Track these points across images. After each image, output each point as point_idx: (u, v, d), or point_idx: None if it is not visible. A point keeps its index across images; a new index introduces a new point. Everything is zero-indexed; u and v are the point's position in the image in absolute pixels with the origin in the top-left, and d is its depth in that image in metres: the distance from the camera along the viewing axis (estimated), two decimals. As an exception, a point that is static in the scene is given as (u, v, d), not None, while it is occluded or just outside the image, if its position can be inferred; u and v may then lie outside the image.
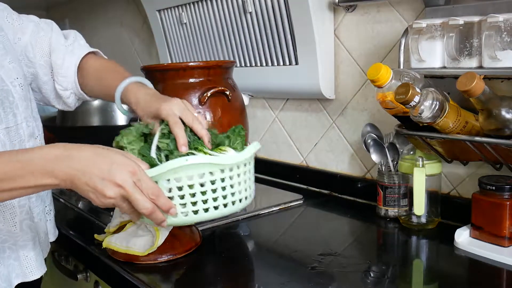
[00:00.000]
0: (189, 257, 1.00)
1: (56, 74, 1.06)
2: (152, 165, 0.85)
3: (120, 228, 1.05)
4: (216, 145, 0.91)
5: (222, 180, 0.84)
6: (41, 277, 1.00)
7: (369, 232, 1.20)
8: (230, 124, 1.27)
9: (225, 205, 0.86)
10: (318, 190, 1.47)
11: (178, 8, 1.73)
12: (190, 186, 0.82)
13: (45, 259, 1.03)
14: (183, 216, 0.83)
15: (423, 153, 1.11)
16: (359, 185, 1.37)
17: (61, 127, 1.65)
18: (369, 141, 1.23)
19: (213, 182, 0.83)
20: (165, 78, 1.26)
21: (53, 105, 1.12)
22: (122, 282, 0.97)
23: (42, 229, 1.02)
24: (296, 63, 1.41)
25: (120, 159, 0.78)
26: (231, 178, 0.85)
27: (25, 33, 1.03)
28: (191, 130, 0.90)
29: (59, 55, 1.06)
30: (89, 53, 1.10)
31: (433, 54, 1.02)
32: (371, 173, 1.35)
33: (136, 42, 2.27)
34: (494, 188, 0.97)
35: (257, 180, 1.57)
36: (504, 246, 0.96)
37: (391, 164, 1.19)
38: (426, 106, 0.95)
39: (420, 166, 1.07)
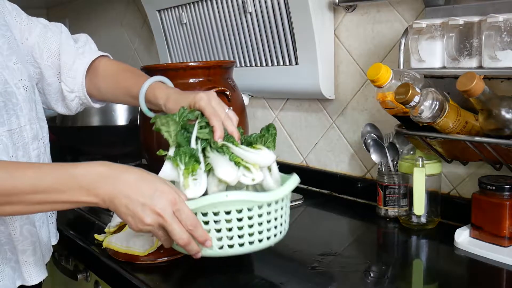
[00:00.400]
0: (189, 257, 1.00)
1: (64, 75, 1.06)
2: (192, 156, 0.84)
3: (120, 228, 1.05)
4: (249, 143, 0.90)
5: (260, 215, 0.83)
6: (42, 278, 0.99)
7: (369, 232, 1.20)
8: (230, 124, 1.27)
9: (260, 240, 0.85)
10: (318, 190, 1.47)
11: (178, 8, 1.73)
12: (228, 221, 0.81)
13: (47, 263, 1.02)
14: (217, 248, 0.83)
15: (423, 153, 1.11)
16: (359, 185, 1.37)
17: (61, 127, 1.65)
18: (369, 141, 1.23)
19: (250, 218, 0.83)
20: (165, 78, 1.26)
21: (53, 108, 1.12)
22: (122, 282, 0.97)
23: (45, 233, 1.01)
24: (296, 63, 1.41)
25: (162, 187, 0.78)
26: (268, 213, 0.84)
27: (33, 33, 1.03)
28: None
29: (69, 57, 1.06)
30: (99, 56, 1.10)
31: (433, 54, 1.02)
32: (371, 173, 1.35)
33: (136, 42, 2.27)
34: (494, 188, 0.97)
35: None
36: (504, 246, 0.96)
37: (391, 164, 1.19)
38: (426, 106, 0.95)
39: (420, 166, 1.07)
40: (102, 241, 1.05)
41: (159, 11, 1.83)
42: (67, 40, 1.07)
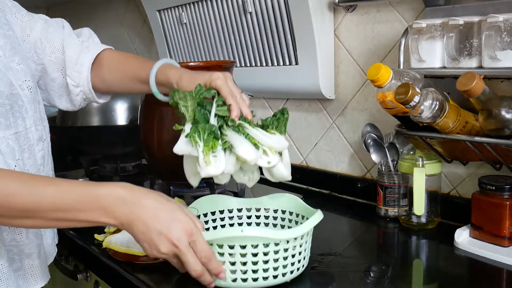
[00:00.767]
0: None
1: (69, 69, 1.05)
2: (212, 132, 0.83)
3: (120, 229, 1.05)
4: (262, 126, 0.89)
5: (276, 252, 0.82)
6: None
7: (369, 232, 1.20)
8: (230, 124, 1.27)
9: (275, 276, 0.84)
10: (318, 190, 1.47)
11: (178, 8, 1.73)
12: (243, 255, 0.81)
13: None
14: (231, 281, 0.83)
15: (423, 153, 1.11)
16: (359, 185, 1.37)
17: (61, 127, 1.65)
18: (369, 141, 1.23)
19: (266, 254, 0.82)
20: (165, 78, 1.26)
21: (56, 104, 1.11)
22: (122, 282, 0.97)
23: (49, 234, 1.01)
24: (296, 63, 1.41)
25: (180, 215, 0.78)
26: (286, 250, 0.83)
27: (34, 29, 1.02)
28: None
29: (73, 51, 1.05)
30: (104, 49, 1.09)
31: (433, 54, 1.02)
32: (371, 173, 1.35)
33: (136, 42, 2.27)
34: (494, 188, 0.97)
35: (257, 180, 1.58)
36: (504, 246, 0.96)
37: (391, 164, 1.19)
38: (426, 106, 0.95)
39: (420, 166, 1.07)
40: (102, 241, 1.04)
41: (159, 11, 1.82)
42: (69, 35, 1.06)
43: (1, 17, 0.95)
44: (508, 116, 0.89)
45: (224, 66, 1.29)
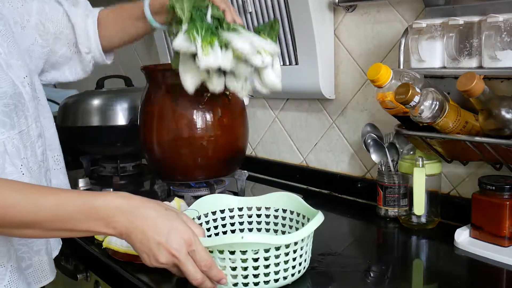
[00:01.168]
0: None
1: (80, 38, 1.09)
2: (209, 28, 0.89)
3: (120, 228, 1.05)
4: (255, 31, 0.94)
5: (277, 256, 0.82)
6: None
7: (369, 232, 1.20)
8: (230, 124, 1.28)
9: (276, 280, 0.84)
10: (318, 190, 1.47)
11: (178, 8, 1.73)
12: (243, 260, 0.81)
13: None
14: (232, 285, 0.83)
15: (423, 153, 1.11)
16: (359, 185, 1.37)
17: (61, 127, 1.64)
18: (369, 141, 1.23)
19: (267, 259, 0.82)
20: (165, 78, 1.26)
21: (68, 79, 1.13)
22: (122, 282, 0.97)
23: None
24: (296, 63, 1.41)
25: (179, 225, 0.78)
26: (286, 254, 0.83)
27: (31, 12, 1.02)
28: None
29: (80, 20, 1.08)
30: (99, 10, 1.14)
31: (433, 54, 1.02)
32: (371, 173, 1.35)
33: (136, 42, 2.26)
34: (494, 188, 0.97)
35: (257, 180, 1.58)
36: (504, 246, 0.96)
37: (391, 164, 1.19)
38: (426, 106, 0.95)
39: (420, 166, 1.07)
40: (102, 241, 1.04)
41: (159, 11, 1.82)
42: (69, 7, 1.08)
43: None
44: (508, 116, 0.89)
45: (224, 66, 1.29)
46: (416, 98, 0.94)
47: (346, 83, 1.37)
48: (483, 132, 0.93)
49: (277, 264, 0.83)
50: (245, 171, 1.39)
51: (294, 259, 0.85)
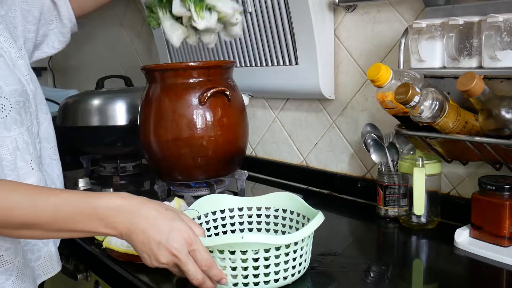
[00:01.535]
0: (189, 257, 1.00)
1: (62, 11, 1.14)
2: None
3: (120, 228, 1.05)
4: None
5: (277, 256, 0.82)
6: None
7: (369, 232, 1.20)
8: (230, 124, 1.28)
9: (276, 280, 0.84)
10: (318, 190, 1.47)
11: (178, 8, 1.73)
12: (244, 260, 0.81)
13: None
14: (232, 285, 0.83)
15: (423, 153, 1.11)
16: (359, 185, 1.37)
17: (61, 127, 1.65)
18: (369, 141, 1.23)
19: (267, 259, 0.82)
20: (165, 78, 1.27)
21: (52, 52, 1.18)
22: (122, 282, 0.97)
23: None
24: (296, 63, 1.41)
25: (179, 225, 0.78)
26: (286, 254, 0.83)
27: (16, 3, 1.04)
28: None
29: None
30: None
31: (433, 54, 1.02)
32: (371, 173, 1.35)
33: (136, 42, 2.26)
34: (494, 188, 0.97)
35: (257, 180, 1.58)
36: (504, 246, 0.96)
37: (391, 164, 1.19)
38: (426, 106, 0.95)
39: (420, 166, 1.07)
40: (102, 241, 1.04)
41: (159, 11, 1.82)
42: None
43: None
44: (508, 116, 0.89)
45: (224, 66, 1.29)
46: (416, 98, 0.94)
47: (346, 83, 1.37)
48: (483, 132, 0.93)
49: (277, 264, 0.83)
50: (245, 171, 1.39)
51: (294, 259, 0.84)
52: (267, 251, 0.81)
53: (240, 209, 1.03)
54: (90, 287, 1.17)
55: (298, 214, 0.98)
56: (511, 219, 0.96)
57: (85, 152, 1.70)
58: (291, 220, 0.99)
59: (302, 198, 0.99)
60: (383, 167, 1.20)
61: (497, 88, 1.02)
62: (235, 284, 0.83)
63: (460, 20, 0.97)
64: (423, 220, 1.12)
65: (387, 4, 1.24)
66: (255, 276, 0.82)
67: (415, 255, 1.05)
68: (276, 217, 1.02)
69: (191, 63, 1.27)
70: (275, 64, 1.47)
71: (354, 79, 1.35)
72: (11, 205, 0.74)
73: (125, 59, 2.30)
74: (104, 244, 1.03)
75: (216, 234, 1.01)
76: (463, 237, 1.02)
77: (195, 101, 1.23)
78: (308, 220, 0.93)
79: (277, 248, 0.82)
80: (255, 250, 0.81)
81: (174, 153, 1.26)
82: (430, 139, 1.04)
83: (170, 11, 1.12)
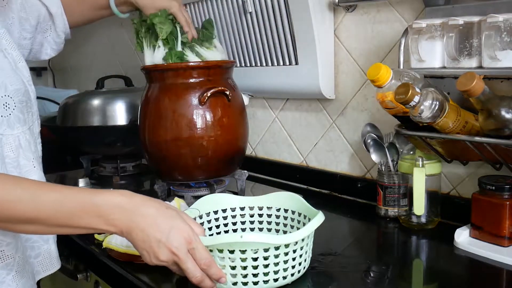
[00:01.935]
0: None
1: (58, 21, 1.21)
2: (179, 57, 1.27)
3: (120, 228, 1.05)
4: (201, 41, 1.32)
5: (276, 256, 0.82)
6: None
7: (369, 232, 1.20)
8: (230, 124, 1.28)
9: (275, 280, 0.84)
10: (318, 190, 1.47)
11: (178, 8, 1.73)
12: (243, 259, 0.81)
13: None
14: (231, 284, 0.83)
15: (423, 153, 1.11)
16: (359, 185, 1.37)
17: (61, 127, 1.65)
18: (369, 141, 1.23)
19: (266, 258, 0.82)
20: (165, 78, 1.27)
21: (45, 58, 1.25)
22: (122, 282, 0.97)
23: None
24: (296, 63, 1.41)
25: (179, 223, 0.79)
26: (286, 254, 0.83)
27: (14, 11, 1.08)
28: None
29: (54, 4, 1.19)
30: None
31: (433, 54, 1.02)
32: (371, 173, 1.35)
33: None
34: (494, 188, 0.97)
35: (257, 180, 1.58)
36: (504, 246, 0.96)
37: (391, 164, 1.19)
38: (426, 106, 0.95)
39: (420, 166, 1.07)
40: (102, 241, 1.05)
41: (159, 11, 1.82)
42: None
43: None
44: (508, 116, 0.89)
45: (224, 66, 1.29)
46: (416, 98, 0.94)
47: (346, 83, 1.37)
48: (483, 132, 0.93)
49: (276, 264, 0.83)
50: (245, 171, 1.39)
51: (294, 259, 0.84)
52: (266, 250, 0.81)
53: (241, 209, 1.03)
54: (90, 287, 1.17)
55: (300, 214, 0.98)
56: (511, 219, 0.96)
57: (85, 152, 1.70)
58: (292, 220, 0.99)
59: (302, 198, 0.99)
60: (383, 167, 1.20)
61: (497, 88, 1.02)
62: (235, 283, 0.83)
63: (460, 20, 0.97)
64: (423, 220, 1.12)
65: (387, 4, 1.24)
66: (254, 275, 0.82)
67: (415, 255, 1.05)
68: (277, 217, 1.02)
69: (191, 63, 1.27)
70: (275, 64, 1.47)
71: (354, 79, 1.35)
72: (13, 199, 0.74)
73: (125, 59, 2.30)
74: (104, 244, 1.03)
75: (218, 234, 1.01)
76: (463, 237, 1.02)
77: (195, 101, 1.23)
78: (309, 220, 0.93)
79: (277, 248, 0.81)
80: (254, 250, 0.81)
81: (174, 153, 1.26)
82: (430, 139, 1.04)
83: (154, 43, 1.28)
